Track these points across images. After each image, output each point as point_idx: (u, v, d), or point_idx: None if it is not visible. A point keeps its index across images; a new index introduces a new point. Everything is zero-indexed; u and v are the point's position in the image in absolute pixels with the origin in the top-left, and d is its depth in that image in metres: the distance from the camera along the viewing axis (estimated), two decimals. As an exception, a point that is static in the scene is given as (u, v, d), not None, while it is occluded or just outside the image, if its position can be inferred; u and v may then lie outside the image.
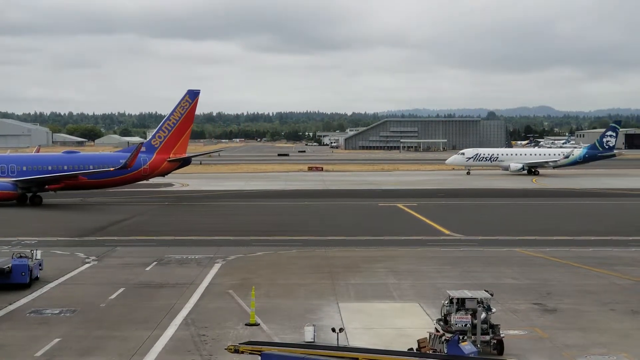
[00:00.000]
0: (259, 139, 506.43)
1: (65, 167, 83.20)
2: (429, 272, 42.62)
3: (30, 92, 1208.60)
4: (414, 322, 31.37)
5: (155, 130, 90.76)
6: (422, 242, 53.94)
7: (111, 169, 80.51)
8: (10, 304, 34.60)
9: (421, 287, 38.52)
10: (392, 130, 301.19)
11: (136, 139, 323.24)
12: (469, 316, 26.57)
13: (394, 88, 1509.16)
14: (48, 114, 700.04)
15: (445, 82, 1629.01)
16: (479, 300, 26.91)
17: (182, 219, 68.97)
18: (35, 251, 40.59)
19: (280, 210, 76.74)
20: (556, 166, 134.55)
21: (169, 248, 51.10)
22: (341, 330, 27.02)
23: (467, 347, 24.54)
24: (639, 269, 43.68)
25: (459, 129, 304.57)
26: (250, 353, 23.64)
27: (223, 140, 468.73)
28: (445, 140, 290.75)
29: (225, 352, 24.99)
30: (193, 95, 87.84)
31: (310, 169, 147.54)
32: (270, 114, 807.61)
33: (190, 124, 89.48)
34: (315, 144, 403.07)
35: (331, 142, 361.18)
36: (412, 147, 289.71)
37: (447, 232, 59.48)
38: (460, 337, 25.33)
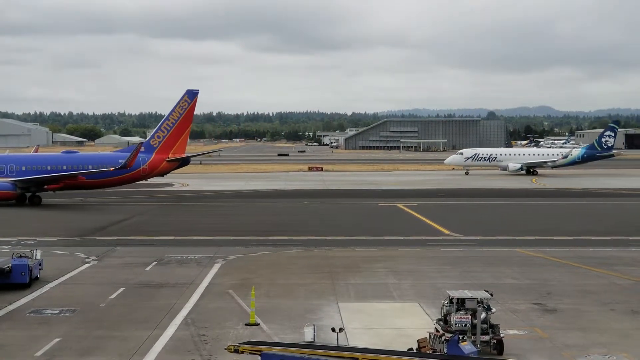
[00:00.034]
0: (259, 139, 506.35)
1: (65, 167, 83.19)
2: (429, 272, 42.62)
3: (30, 92, 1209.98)
4: (413, 322, 31.38)
5: (154, 130, 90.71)
6: (422, 242, 53.93)
7: (110, 168, 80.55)
8: (10, 304, 34.60)
9: (421, 287, 38.53)
10: (392, 130, 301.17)
11: (136, 139, 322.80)
12: (469, 316, 26.58)
13: (394, 88, 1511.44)
14: (48, 114, 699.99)
15: (445, 82, 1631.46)
16: (479, 300, 26.92)
17: (182, 219, 68.97)
18: (35, 251, 40.57)
19: (280, 210, 76.75)
20: (554, 166, 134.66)
21: (169, 248, 51.10)
22: (341, 330, 27.00)
23: (467, 347, 24.55)
24: (639, 269, 43.68)
25: (459, 129, 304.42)
26: (250, 353, 23.64)
27: (223, 140, 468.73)
28: (445, 140, 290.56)
29: (225, 352, 24.97)
30: (192, 95, 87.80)
31: (310, 169, 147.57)
32: (270, 114, 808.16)
33: (189, 124, 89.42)
34: (315, 144, 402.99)
35: (331, 142, 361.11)
36: (412, 147, 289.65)
37: (447, 232, 59.49)
38: (460, 337, 25.33)
